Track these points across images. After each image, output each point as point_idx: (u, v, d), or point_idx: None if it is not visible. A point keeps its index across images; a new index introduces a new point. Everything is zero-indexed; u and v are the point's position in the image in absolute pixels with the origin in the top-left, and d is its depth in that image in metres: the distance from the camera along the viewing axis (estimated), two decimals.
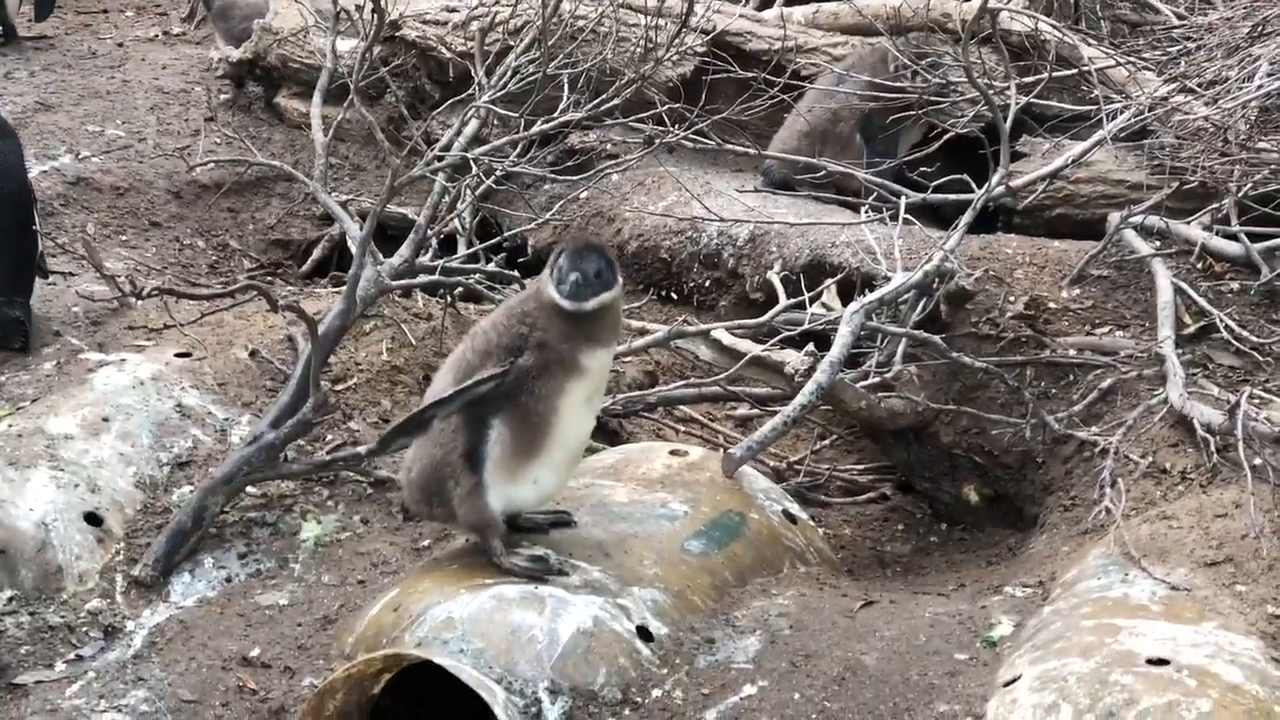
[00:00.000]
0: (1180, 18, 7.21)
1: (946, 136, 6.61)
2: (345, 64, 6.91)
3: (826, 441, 6.36)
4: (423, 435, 4.41)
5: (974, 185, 6.06)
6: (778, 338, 5.81)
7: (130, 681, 4.48)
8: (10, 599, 4.70)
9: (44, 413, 5.33)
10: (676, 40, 6.34)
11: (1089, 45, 6.96)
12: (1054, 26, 6.95)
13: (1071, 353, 5.67)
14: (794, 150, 7.02)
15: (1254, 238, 5.87)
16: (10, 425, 5.26)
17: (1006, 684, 4.00)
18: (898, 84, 6.86)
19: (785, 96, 6.65)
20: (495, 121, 6.68)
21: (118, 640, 4.67)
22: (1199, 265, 5.91)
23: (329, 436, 5.48)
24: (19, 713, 4.40)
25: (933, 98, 6.77)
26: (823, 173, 6.67)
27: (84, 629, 4.69)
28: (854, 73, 7.08)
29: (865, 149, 7.03)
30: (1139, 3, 7.69)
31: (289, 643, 4.60)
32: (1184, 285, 5.71)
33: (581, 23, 6.71)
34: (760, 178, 7.25)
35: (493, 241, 6.64)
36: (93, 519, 4.96)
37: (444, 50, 7.75)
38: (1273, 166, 5.91)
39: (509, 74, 6.39)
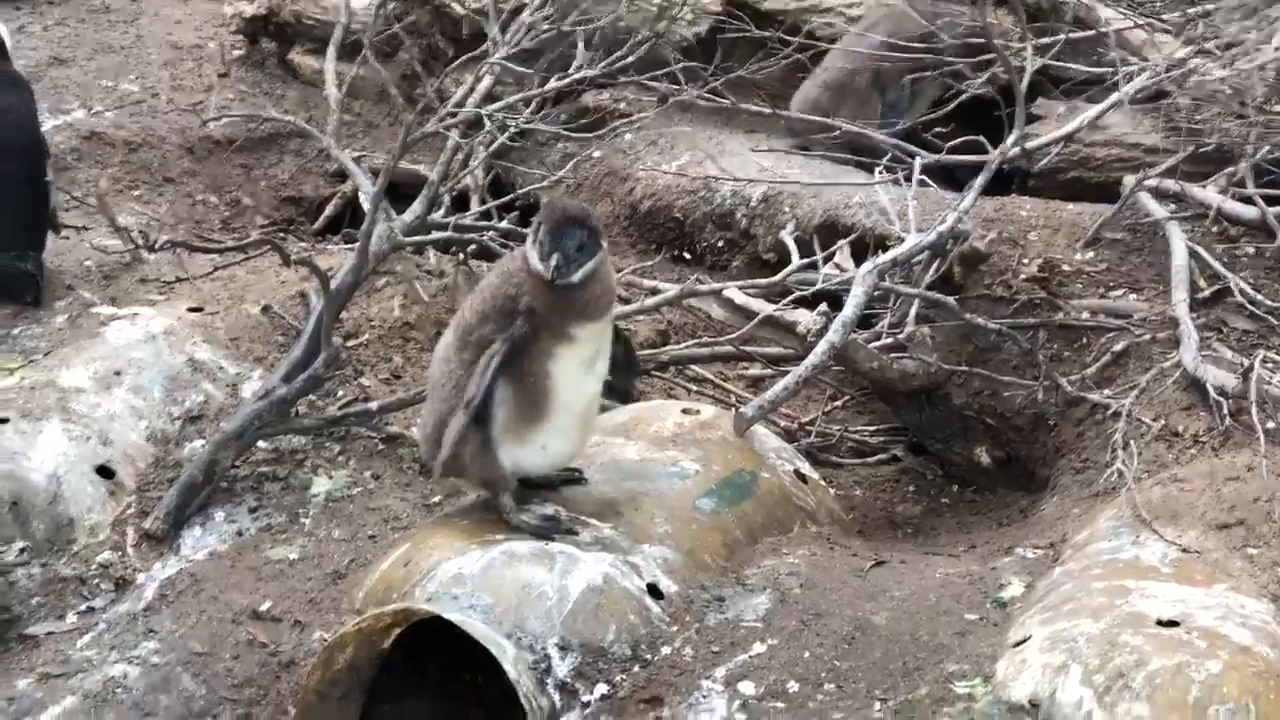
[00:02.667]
0: None
1: (962, 98, 6.58)
2: (359, 20, 6.89)
3: (838, 402, 6.35)
4: (441, 396, 4.41)
5: (989, 147, 6.03)
6: (790, 297, 5.79)
7: (141, 633, 4.50)
8: (22, 550, 4.71)
9: (56, 366, 5.34)
10: None
11: (1106, 7, 6.92)
12: None
13: (1085, 315, 5.65)
14: (815, 104, 6.97)
15: (1270, 201, 5.84)
16: (23, 378, 5.27)
17: (1016, 644, 4.00)
18: (914, 44, 6.82)
19: (801, 56, 6.62)
20: (509, 79, 6.65)
21: (128, 592, 4.68)
22: (1214, 229, 5.88)
23: (340, 392, 5.47)
24: (30, 663, 4.43)
25: (951, 57, 6.72)
26: (839, 131, 6.65)
27: (95, 581, 4.70)
28: (872, 32, 7.04)
29: (881, 104, 6.98)
30: None
31: (299, 597, 4.61)
32: (1199, 249, 5.68)
33: None
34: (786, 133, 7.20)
35: (505, 199, 6.62)
36: (104, 472, 4.97)
37: (458, 6, 7.71)
38: None
39: (523, 31, 6.36)
